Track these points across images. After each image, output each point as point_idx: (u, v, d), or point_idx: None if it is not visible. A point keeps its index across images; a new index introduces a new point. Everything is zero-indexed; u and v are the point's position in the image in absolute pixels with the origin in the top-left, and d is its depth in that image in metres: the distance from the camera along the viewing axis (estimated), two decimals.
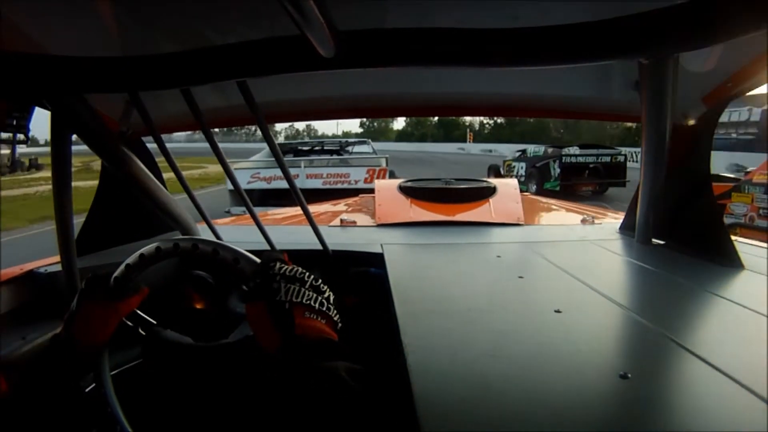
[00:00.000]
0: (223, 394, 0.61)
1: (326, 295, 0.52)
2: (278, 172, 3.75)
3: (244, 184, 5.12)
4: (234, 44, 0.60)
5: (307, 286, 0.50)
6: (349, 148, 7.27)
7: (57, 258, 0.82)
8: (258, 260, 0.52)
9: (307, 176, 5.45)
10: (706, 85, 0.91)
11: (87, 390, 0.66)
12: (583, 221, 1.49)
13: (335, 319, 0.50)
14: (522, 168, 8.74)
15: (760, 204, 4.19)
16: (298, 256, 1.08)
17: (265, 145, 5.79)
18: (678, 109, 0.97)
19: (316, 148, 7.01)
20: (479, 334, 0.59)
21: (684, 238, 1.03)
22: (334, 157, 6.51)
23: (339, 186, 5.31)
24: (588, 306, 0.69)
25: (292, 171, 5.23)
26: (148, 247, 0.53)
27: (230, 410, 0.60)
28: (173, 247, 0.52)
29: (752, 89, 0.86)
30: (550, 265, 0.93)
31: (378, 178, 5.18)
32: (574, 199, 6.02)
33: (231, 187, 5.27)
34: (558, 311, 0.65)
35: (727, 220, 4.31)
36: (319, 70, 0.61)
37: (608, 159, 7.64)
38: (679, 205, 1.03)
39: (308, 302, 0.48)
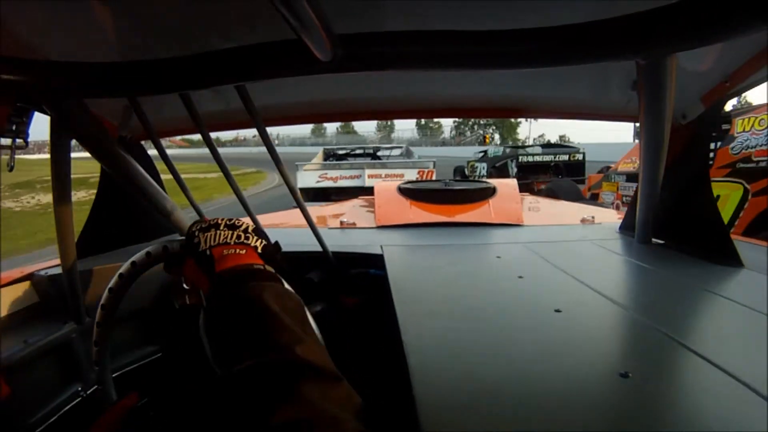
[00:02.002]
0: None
1: (243, 227, 0.53)
2: (342, 172, 4.64)
3: (312, 183, 6.10)
4: (232, 48, 0.60)
5: (221, 228, 0.52)
6: (381, 152, 8.32)
7: (57, 261, 0.82)
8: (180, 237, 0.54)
9: (368, 176, 6.22)
10: (705, 85, 0.91)
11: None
12: (583, 221, 1.49)
13: (255, 244, 0.51)
14: (483, 168, 8.87)
15: (623, 191, 4.50)
16: (298, 258, 1.09)
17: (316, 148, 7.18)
18: (676, 109, 0.97)
19: (355, 152, 8.10)
20: (479, 335, 0.59)
21: (684, 238, 1.03)
22: (400, 161, 7.54)
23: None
24: (588, 305, 0.69)
25: (356, 172, 5.58)
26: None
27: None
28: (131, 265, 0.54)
29: (750, 88, 0.86)
30: (549, 265, 0.93)
31: (426, 178, 5.89)
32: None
33: (300, 185, 5.41)
34: (558, 311, 0.65)
35: None
36: (316, 73, 0.61)
37: (566, 157, 7.74)
38: (679, 205, 1.03)
39: (224, 240, 0.50)
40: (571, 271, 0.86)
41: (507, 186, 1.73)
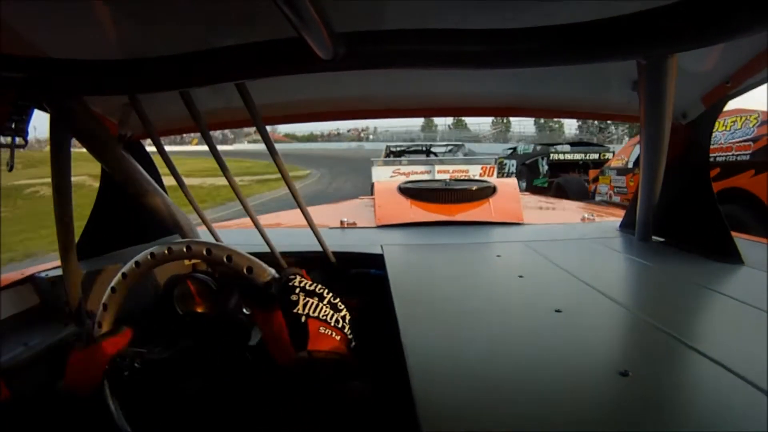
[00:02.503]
0: (234, 403, 0.61)
1: (342, 313, 0.52)
2: (414, 168, 5.08)
3: (386, 178, 6.30)
4: (232, 47, 0.60)
5: (325, 302, 0.51)
6: (436, 150, 8.69)
7: (58, 263, 0.82)
8: (273, 270, 0.52)
9: (438, 171, 6.54)
10: (705, 85, 0.91)
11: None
12: (583, 219, 1.50)
13: (350, 337, 0.51)
14: (513, 165, 9.01)
15: (614, 183, 5.28)
16: (298, 258, 1.09)
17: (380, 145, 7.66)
18: (677, 109, 0.97)
19: (411, 149, 8.62)
20: (480, 334, 0.59)
21: (684, 235, 1.03)
22: (458, 156, 8.07)
23: (460, 179, 6.19)
24: (588, 305, 0.69)
25: (427, 168, 5.95)
26: (158, 247, 0.54)
27: (241, 419, 0.60)
28: (186, 249, 0.53)
29: (751, 89, 0.86)
30: (550, 264, 0.93)
31: (488, 174, 6.46)
32: (563, 195, 6.63)
33: (374, 180, 5.67)
34: (558, 310, 0.65)
35: (597, 199, 5.58)
36: (317, 72, 0.61)
37: (596, 156, 7.89)
38: (679, 203, 1.04)
39: (324, 318, 0.49)
40: (572, 269, 0.86)
41: (507, 185, 1.73)
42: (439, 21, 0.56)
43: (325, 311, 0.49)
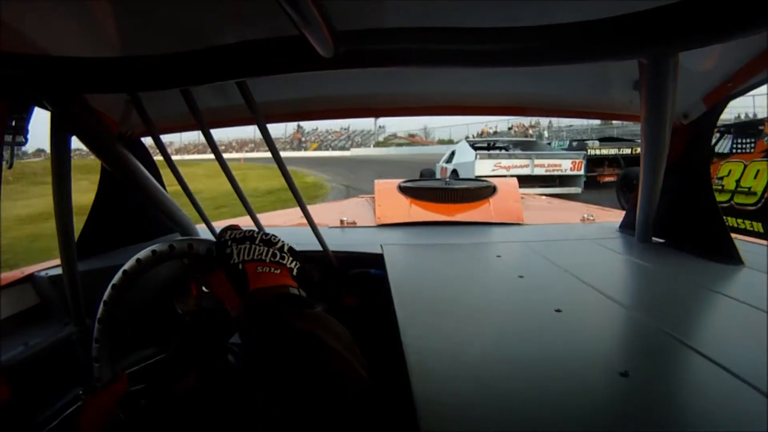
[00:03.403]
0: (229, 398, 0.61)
1: (279, 245, 0.52)
2: (514, 161, 5.51)
3: (489, 171, 6.75)
4: (233, 44, 0.60)
5: (257, 242, 0.50)
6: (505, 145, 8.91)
7: (58, 261, 0.81)
8: (211, 240, 0.52)
9: (535, 165, 6.99)
10: (707, 85, 0.91)
11: None
12: (583, 220, 1.49)
13: (291, 266, 0.50)
14: None
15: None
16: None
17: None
18: (678, 109, 0.97)
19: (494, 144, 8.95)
20: (480, 334, 0.59)
21: (684, 236, 1.03)
22: (554, 152, 8.36)
23: (555, 173, 7.12)
24: (588, 305, 0.69)
25: (526, 161, 6.37)
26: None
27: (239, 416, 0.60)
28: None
29: (753, 89, 0.86)
30: (550, 264, 0.93)
31: (577, 168, 7.06)
32: (599, 189, 6.90)
33: (478, 173, 6.22)
34: (558, 310, 0.65)
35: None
36: (318, 69, 0.61)
37: (629, 151, 8.06)
38: (679, 204, 1.03)
39: (259, 257, 0.48)
40: (572, 270, 0.86)
41: (507, 185, 1.73)
42: (440, 19, 0.56)
43: (259, 251, 0.49)
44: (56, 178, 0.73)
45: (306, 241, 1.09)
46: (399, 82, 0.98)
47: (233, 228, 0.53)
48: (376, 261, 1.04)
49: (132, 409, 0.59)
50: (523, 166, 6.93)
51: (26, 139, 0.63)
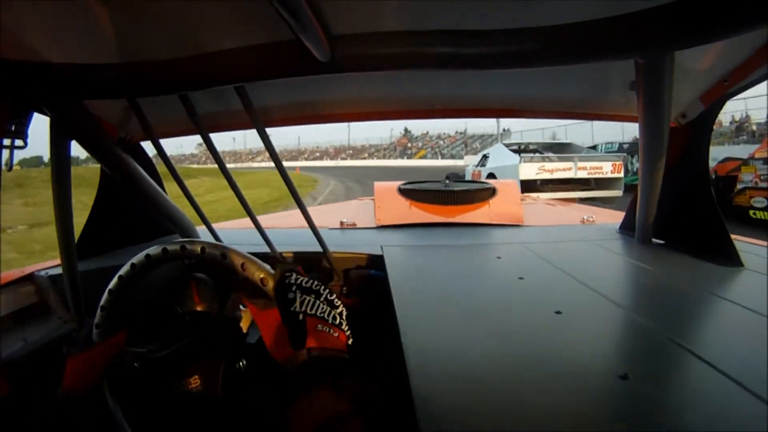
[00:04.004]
0: (231, 402, 0.61)
1: (339, 310, 0.52)
2: (557, 164, 5.49)
3: (533, 175, 6.82)
4: (231, 50, 0.60)
5: (322, 299, 0.50)
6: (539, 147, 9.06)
7: (58, 261, 0.82)
8: (268, 267, 0.52)
9: (578, 168, 6.98)
10: (704, 84, 0.91)
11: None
12: (583, 221, 1.49)
13: (347, 333, 0.50)
14: None
15: (761, 172, 6.08)
16: (297, 258, 1.09)
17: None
18: (676, 109, 0.97)
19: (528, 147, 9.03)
20: (479, 336, 0.59)
21: (684, 238, 1.03)
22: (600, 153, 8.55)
23: (596, 175, 7.08)
24: (588, 307, 0.69)
25: (568, 164, 6.30)
26: (154, 249, 0.54)
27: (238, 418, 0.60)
28: (180, 249, 0.53)
29: (750, 87, 0.86)
30: (550, 266, 0.93)
31: (616, 171, 7.02)
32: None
33: (522, 177, 6.52)
34: (558, 312, 0.65)
35: (739, 186, 6.16)
36: (315, 74, 0.61)
37: None
38: (679, 205, 1.03)
39: (322, 315, 0.48)
40: (572, 271, 0.86)
41: (507, 186, 1.73)
42: (436, 22, 0.57)
43: (323, 308, 0.49)
44: (56, 181, 0.74)
45: (306, 243, 1.09)
46: (397, 86, 0.99)
47: (297, 271, 0.53)
48: (376, 262, 1.04)
49: (123, 369, 0.58)
50: (566, 169, 6.92)
51: (26, 144, 0.63)
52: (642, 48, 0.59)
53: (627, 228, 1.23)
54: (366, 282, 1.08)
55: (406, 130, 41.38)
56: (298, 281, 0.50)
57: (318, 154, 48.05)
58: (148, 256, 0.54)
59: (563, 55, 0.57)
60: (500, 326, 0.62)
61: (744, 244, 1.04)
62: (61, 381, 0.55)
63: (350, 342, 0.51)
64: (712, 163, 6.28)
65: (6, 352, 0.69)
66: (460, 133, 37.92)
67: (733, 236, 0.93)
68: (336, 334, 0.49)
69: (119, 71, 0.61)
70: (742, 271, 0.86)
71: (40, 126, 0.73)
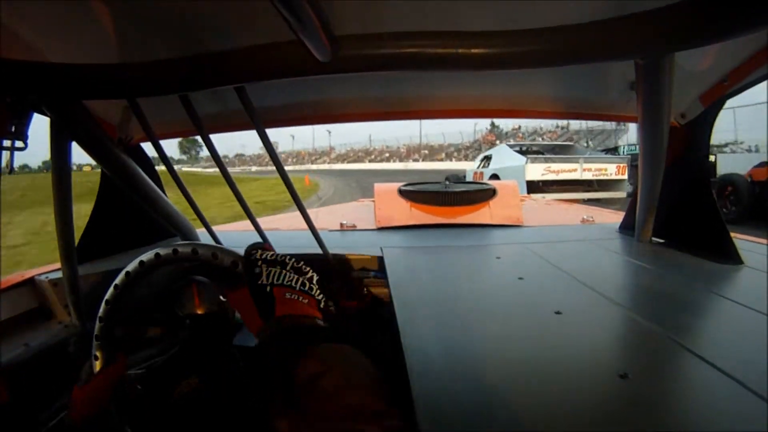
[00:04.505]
0: (229, 401, 0.61)
1: (309, 275, 0.52)
2: (563, 165, 5.50)
3: (539, 176, 6.80)
4: (231, 50, 0.60)
5: (288, 268, 0.50)
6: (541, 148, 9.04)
7: (58, 265, 0.82)
8: (237, 252, 0.52)
9: (583, 169, 6.97)
10: (703, 85, 0.91)
11: None
12: (583, 221, 1.49)
13: (319, 298, 0.50)
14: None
15: None
16: (293, 258, 1.09)
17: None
18: (675, 109, 0.97)
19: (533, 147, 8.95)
20: (479, 336, 0.59)
21: (684, 237, 1.03)
22: (608, 156, 8.59)
23: (601, 177, 7.09)
24: (588, 306, 0.69)
25: (574, 165, 6.26)
26: (132, 264, 0.54)
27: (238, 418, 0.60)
28: (154, 257, 0.53)
29: (749, 87, 0.86)
30: (550, 265, 0.93)
31: (621, 173, 7.06)
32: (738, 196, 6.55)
33: (528, 177, 6.57)
34: (558, 312, 0.65)
35: None
36: (315, 74, 0.61)
37: None
38: (678, 204, 1.03)
39: (289, 283, 0.49)
40: (571, 271, 0.86)
41: (507, 187, 1.73)
42: (437, 23, 0.57)
43: (290, 277, 0.49)
44: (56, 183, 0.74)
45: (306, 244, 1.09)
46: (397, 87, 0.99)
47: (263, 247, 0.53)
48: (377, 263, 1.04)
49: (127, 395, 0.58)
50: (571, 170, 6.92)
51: (26, 145, 0.63)
52: (642, 49, 0.60)
53: (627, 227, 1.24)
54: (366, 283, 1.08)
55: (492, 124, 35.12)
56: (263, 256, 0.51)
57: (387, 155, 41.92)
58: (141, 262, 0.54)
59: (563, 56, 0.57)
60: (500, 326, 0.62)
61: (744, 242, 1.04)
62: (69, 415, 0.56)
63: (322, 306, 0.50)
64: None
65: (7, 357, 0.68)
66: (562, 128, 30.60)
67: (733, 234, 0.93)
68: (306, 301, 0.48)
69: (119, 71, 0.61)
70: (742, 269, 0.86)
71: (44, 128, 0.73)
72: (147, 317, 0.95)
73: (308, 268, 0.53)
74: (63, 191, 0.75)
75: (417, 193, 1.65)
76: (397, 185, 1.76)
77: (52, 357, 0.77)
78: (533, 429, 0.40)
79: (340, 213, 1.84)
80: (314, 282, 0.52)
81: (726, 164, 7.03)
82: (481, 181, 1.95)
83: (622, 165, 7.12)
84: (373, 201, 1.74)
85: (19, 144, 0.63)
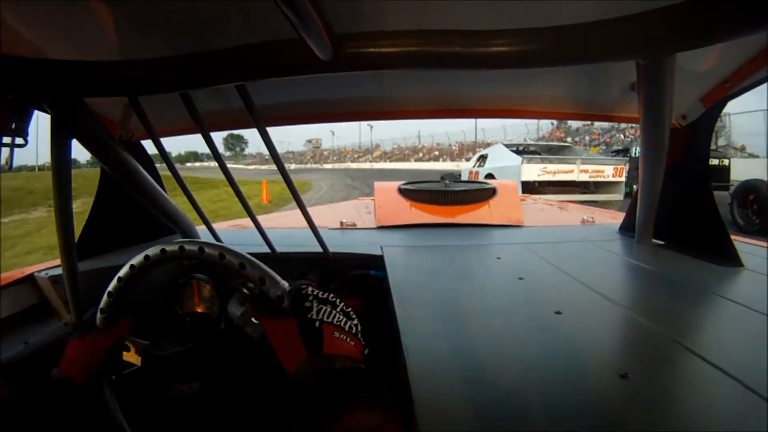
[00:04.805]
0: (232, 405, 0.61)
1: (355, 321, 0.52)
2: (559, 167, 5.30)
3: (534, 176, 6.67)
4: (232, 48, 0.60)
5: (338, 310, 0.51)
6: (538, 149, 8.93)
7: (58, 261, 0.82)
8: (285, 283, 0.52)
9: (580, 171, 6.89)
10: (704, 86, 0.91)
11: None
12: (583, 222, 1.49)
13: (363, 343, 0.51)
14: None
15: None
16: (298, 259, 1.09)
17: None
18: (676, 110, 0.97)
19: (530, 149, 8.84)
20: (479, 336, 0.59)
21: (684, 238, 1.03)
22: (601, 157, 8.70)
23: (598, 179, 7.00)
24: (588, 307, 0.69)
25: (570, 167, 6.16)
26: (153, 249, 0.54)
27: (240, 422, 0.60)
28: (198, 250, 0.53)
29: (751, 89, 0.86)
30: (550, 266, 0.93)
31: (618, 175, 6.95)
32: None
33: (524, 178, 6.48)
34: (558, 312, 0.65)
35: None
36: (317, 73, 0.61)
37: (716, 162, 7.62)
38: (679, 205, 1.03)
39: (338, 323, 0.49)
40: (572, 272, 0.86)
41: (507, 187, 1.73)
42: (439, 22, 0.57)
43: (339, 318, 0.50)
44: (56, 180, 0.74)
45: (306, 243, 1.09)
46: (398, 85, 0.99)
47: (311, 284, 0.54)
48: (376, 262, 1.04)
49: (120, 360, 0.58)
50: (568, 171, 6.83)
51: (26, 142, 0.63)
52: (643, 49, 0.59)
53: (627, 228, 1.24)
54: (366, 282, 1.08)
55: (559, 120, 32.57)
56: (315, 293, 0.52)
57: (437, 153, 38.08)
58: (147, 257, 0.54)
59: (564, 55, 0.57)
60: (500, 327, 0.62)
61: (744, 244, 1.04)
62: (58, 363, 0.55)
63: (366, 352, 0.51)
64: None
65: (8, 353, 0.68)
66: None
67: (733, 236, 0.93)
68: (352, 343, 0.49)
69: (120, 68, 0.61)
70: (742, 271, 0.86)
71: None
72: (147, 314, 0.96)
73: (354, 315, 0.53)
74: (63, 188, 0.75)
75: (417, 192, 1.65)
76: (397, 183, 1.75)
77: (52, 354, 0.77)
78: (533, 429, 0.40)
79: (340, 211, 1.84)
80: (359, 329, 0.53)
81: (740, 169, 6.86)
82: (481, 180, 1.94)
83: (620, 167, 7.04)
84: (373, 200, 1.74)
85: (19, 141, 0.63)
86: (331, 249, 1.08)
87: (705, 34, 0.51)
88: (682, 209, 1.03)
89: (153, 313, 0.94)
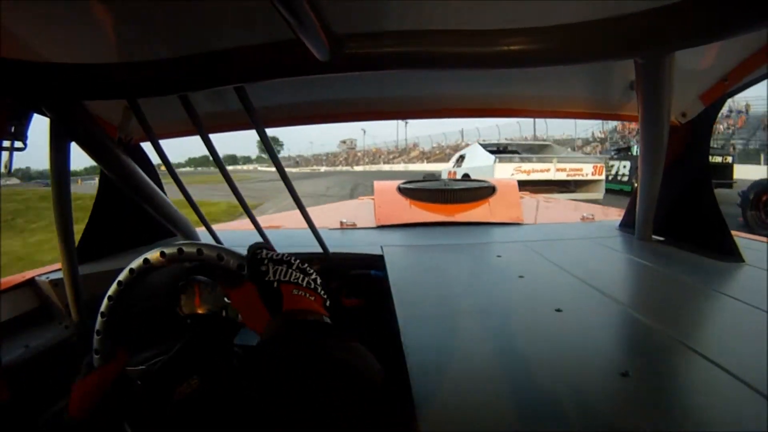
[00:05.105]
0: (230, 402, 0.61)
1: (313, 276, 0.53)
2: (534, 165, 5.34)
3: (507, 175, 6.47)
4: (231, 50, 0.60)
5: (293, 268, 0.52)
6: (518, 148, 8.85)
7: (58, 265, 0.82)
8: (242, 254, 0.53)
9: (556, 170, 6.80)
10: (703, 84, 0.91)
11: None
12: (583, 219, 1.50)
13: (323, 296, 0.51)
14: (625, 167, 8.66)
15: None
16: (298, 259, 1.09)
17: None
18: (675, 108, 0.97)
19: (509, 148, 8.72)
20: (480, 335, 0.59)
21: (683, 234, 1.03)
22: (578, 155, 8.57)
23: (576, 177, 6.89)
24: (588, 304, 0.69)
25: (546, 165, 6.09)
26: (136, 261, 0.54)
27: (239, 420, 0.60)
28: (159, 255, 0.54)
29: (749, 86, 0.86)
30: (550, 264, 0.93)
31: (597, 173, 6.86)
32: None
33: (495, 176, 6.17)
34: (559, 310, 0.65)
35: None
36: (315, 74, 0.61)
37: (720, 159, 7.64)
38: (678, 202, 1.04)
39: (296, 281, 0.50)
40: (572, 269, 0.86)
41: (507, 185, 1.73)
42: (437, 22, 0.57)
43: (296, 275, 0.51)
44: (56, 183, 0.73)
45: (306, 243, 1.09)
46: (397, 86, 0.99)
47: (266, 247, 0.54)
48: (377, 262, 1.04)
49: (126, 391, 0.59)
50: (544, 170, 6.78)
51: (25, 145, 0.63)
52: (641, 48, 0.59)
53: (627, 225, 1.24)
54: (366, 282, 1.08)
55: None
56: (269, 255, 0.52)
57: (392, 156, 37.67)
58: (146, 260, 0.54)
59: (563, 55, 0.57)
60: (500, 325, 0.63)
61: (744, 239, 1.04)
62: (67, 409, 0.56)
63: (327, 304, 0.51)
64: None
65: (8, 357, 0.68)
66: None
67: (733, 232, 0.93)
68: (312, 298, 0.50)
69: (119, 71, 0.61)
70: (742, 266, 0.86)
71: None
72: (148, 316, 0.95)
73: (312, 270, 0.54)
74: (62, 192, 0.75)
75: (417, 190, 1.65)
76: (396, 183, 1.75)
77: (53, 357, 0.77)
78: (534, 427, 0.40)
79: (340, 211, 1.84)
80: (318, 282, 0.53)
81: (745, 167, 6.76)
82: (480, 180, 1.94)
83: (599, 165, 7.00)
84: (373, 199, 1.74)
85: (18, 144, 0.63)
86: (332, 249, 1.08)
87: (703, 32, 0.51)
88: (682, 205, 1.03)
89: (153, 318, 0.94)
